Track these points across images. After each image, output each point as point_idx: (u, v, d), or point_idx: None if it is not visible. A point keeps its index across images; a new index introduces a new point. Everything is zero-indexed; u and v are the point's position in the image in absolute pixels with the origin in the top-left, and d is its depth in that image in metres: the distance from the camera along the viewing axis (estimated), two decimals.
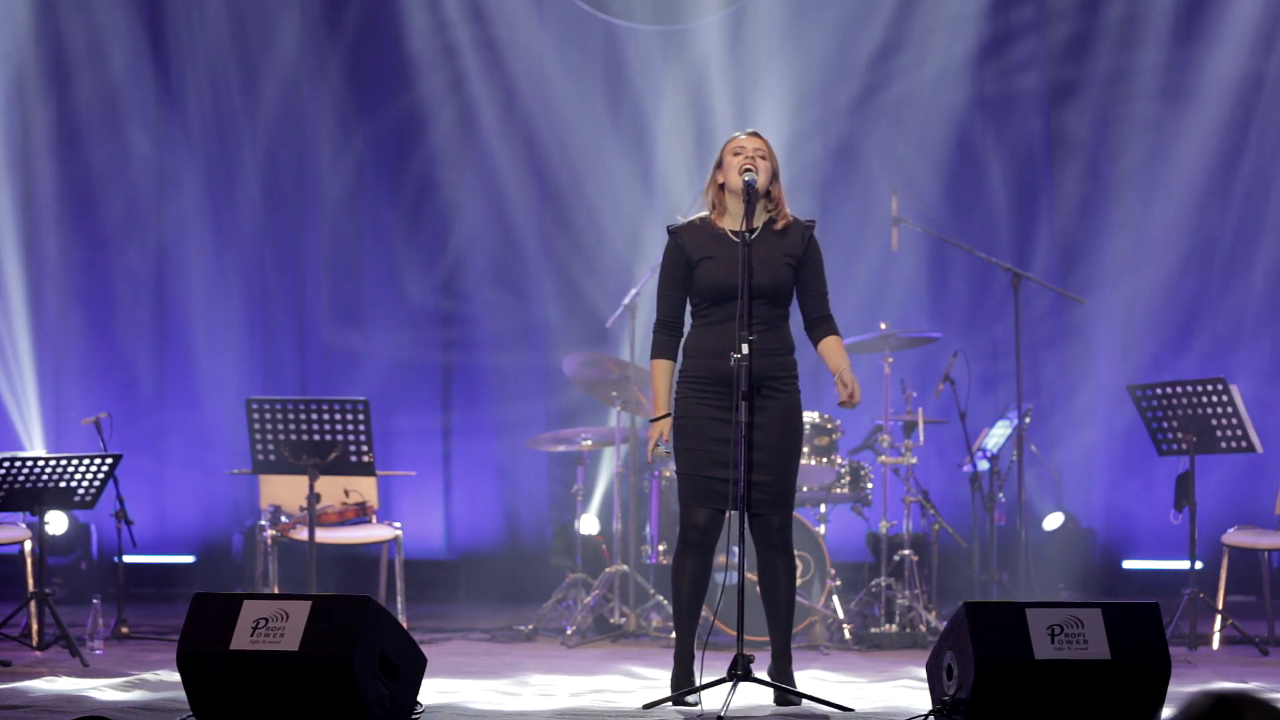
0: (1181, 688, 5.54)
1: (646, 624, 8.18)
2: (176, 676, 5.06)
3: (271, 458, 7.66)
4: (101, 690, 6.03)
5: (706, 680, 5.48)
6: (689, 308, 5.74)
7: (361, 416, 7.62)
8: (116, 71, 10.61)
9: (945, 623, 5.68)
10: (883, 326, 8.40)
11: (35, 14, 10.54)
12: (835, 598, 7.98)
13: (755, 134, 5.70)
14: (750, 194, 5.54)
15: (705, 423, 5.60)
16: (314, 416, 7.61)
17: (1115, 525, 10.40)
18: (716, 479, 5.56)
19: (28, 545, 7.79)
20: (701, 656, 5.57)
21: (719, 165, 5.68)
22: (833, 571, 7.98)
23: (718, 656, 5.98)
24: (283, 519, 8.11)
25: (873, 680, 6.59)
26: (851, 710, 5.45)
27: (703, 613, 5.72)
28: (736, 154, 5.62)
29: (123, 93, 10.62)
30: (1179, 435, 7.90)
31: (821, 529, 8.18)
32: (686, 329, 5.75)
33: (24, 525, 7.87)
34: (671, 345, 5.73)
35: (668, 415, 5.66)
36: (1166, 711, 4.85)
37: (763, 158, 5.61)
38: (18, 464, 7.32)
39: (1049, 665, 4.79)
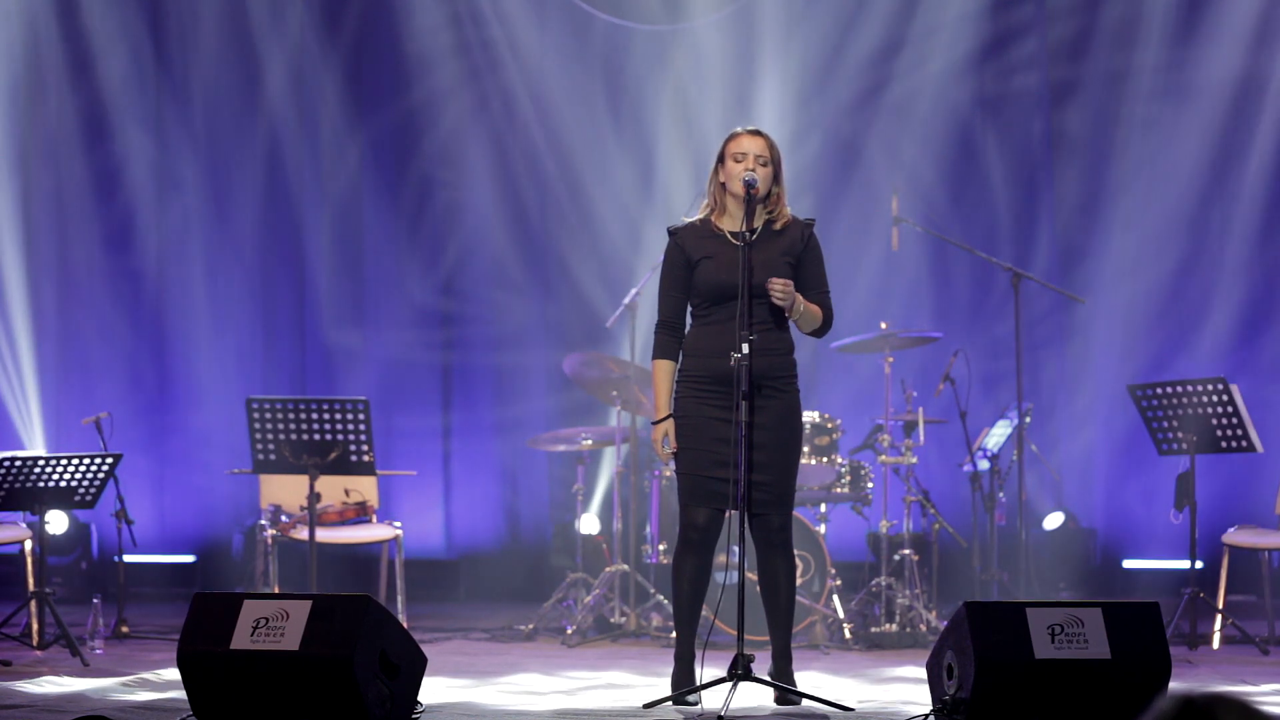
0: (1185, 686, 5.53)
1: (647, 624, 8.17)
2: (177, 676, 5.06)
3: (272, 457, 7.65)
4: (102, 690, 6.03)
5: (707, 680, 5.48)
6: (690, 308, 5.74)
7: (362, 416, 7.62)
8: (117, 71, 10.60)
9: (945, 622, 5.68)
10: (883, 326, 8.40)
11: (35, 14, 10.53)
12: (835, 597, 7.98)
13: (757, 132, 5.67)
14: (750, 196, 5.53)
15: (705, 422, 5.59)
16: (314, 416, 7.61)
17: (1115, 525, 10.39)
18: (716, 478, 5.56)
19: (28, 545, 7.79)
20: (702, 656, 5.57)
21: (720, 162, 5.67)
22: (833, 571, 7.98)
23: (718, 656, 5.98)
24: (283, 518, 8.11)
25: (873, 680, 6.59)
26: (851, 710, 5.44)
27: (703, 612, 5.71)
28: (738, 159, 5.60)
29: (123, 93, 10.62)
30: (1179, 435, 7.89)
31: (822, 528, 8.18)
32: (688, 329, 5.75)
33: (24, 525, 7.87)
34: (673, 346, 5.72)
35: (670, 416, 5.66)
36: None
37: (764, 164, 5.60)
38: (18, 464, 7.31)
39: (1049, 665, 4.79)
